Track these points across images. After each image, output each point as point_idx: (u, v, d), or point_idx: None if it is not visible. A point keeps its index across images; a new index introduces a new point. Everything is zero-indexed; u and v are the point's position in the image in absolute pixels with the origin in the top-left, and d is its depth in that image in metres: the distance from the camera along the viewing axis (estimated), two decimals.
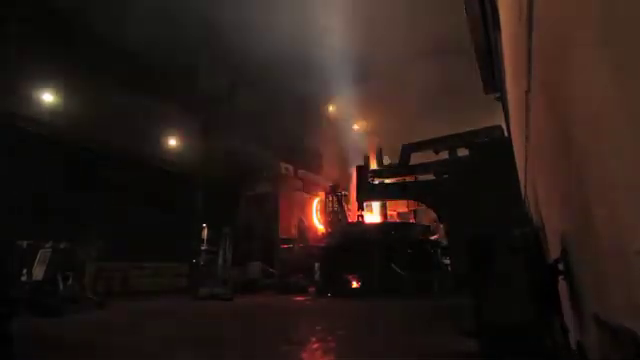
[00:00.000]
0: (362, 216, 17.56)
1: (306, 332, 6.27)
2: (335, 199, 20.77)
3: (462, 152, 15.19)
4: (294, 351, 4.78)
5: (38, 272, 11.62)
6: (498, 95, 7.72)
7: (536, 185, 3.11)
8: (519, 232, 2.94)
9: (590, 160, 1.10)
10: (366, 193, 17.27)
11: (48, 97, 14.71)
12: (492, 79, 6.91)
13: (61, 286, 11.35)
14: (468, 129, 15.52)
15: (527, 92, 2.30)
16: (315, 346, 5.04)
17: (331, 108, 32.76)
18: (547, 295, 1.94)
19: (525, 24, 1.85)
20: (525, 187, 4.71)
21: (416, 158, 16.55)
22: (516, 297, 2.75)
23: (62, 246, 12.74)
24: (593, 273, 1.40)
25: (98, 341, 5.47)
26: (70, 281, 12.27)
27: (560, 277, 1.85)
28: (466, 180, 14.18)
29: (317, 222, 23.77)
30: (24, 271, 11.58)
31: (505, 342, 2.83)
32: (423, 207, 18.37)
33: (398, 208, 20.60)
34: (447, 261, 14.83)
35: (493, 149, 13.80)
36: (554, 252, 2.29)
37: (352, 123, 32.80)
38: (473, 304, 3.15)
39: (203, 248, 20.70)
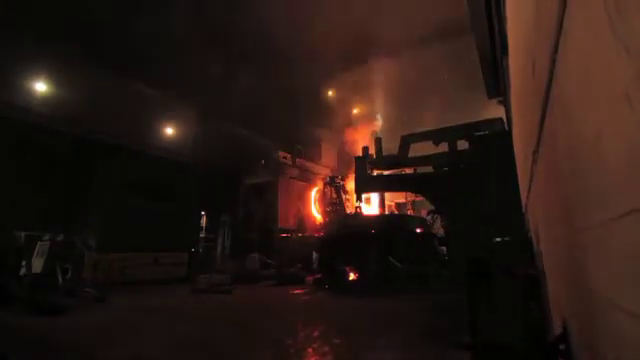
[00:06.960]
0: (360, 207, 17.56)
1: (303, 338, 6.36)
2: (333, 189, 20.69)
3: (462, 145, 15.06)
4: None
5: (37, 265, 11.63)
6: (501, 99, 7.60)
7: (538, 228, 3.05)
8: (525, 273, 2.90)
9: (598, 248, 1.02)
10: (365, 184, 17.20)
11: (41, 86, 14.36)
12: (495, 84, 6.75)
13: (60, 279, 11.39)
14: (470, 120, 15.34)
15: (535, 152, 2.21)
16: (313, 359, 5.13)
17: (330, 93, 32.18)
18: None
19: (543, 92, 1.71)
20: (526, 206, 4.66)
21: (415, 151, 16.41)
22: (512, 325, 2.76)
23: (60, 238, 12.72)
24: None
25: (100, 348, 5.54)
26: (69, 274, 12.32)
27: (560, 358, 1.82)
28: (465, 174, 14.12)
29: (315, 212, 23.80)
30: (23, 263, 11.60)
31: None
32: (421, 198, 18.39)
33: (396, 199, 20.60)
34: (444, 250, 14.91)
35: (493, 142, 13.67)
36: (555, 318, 2.26)
37: (352, 108, 32.32)
38: (469, 322, 3.17)
39: (202, 236, 20.79)
